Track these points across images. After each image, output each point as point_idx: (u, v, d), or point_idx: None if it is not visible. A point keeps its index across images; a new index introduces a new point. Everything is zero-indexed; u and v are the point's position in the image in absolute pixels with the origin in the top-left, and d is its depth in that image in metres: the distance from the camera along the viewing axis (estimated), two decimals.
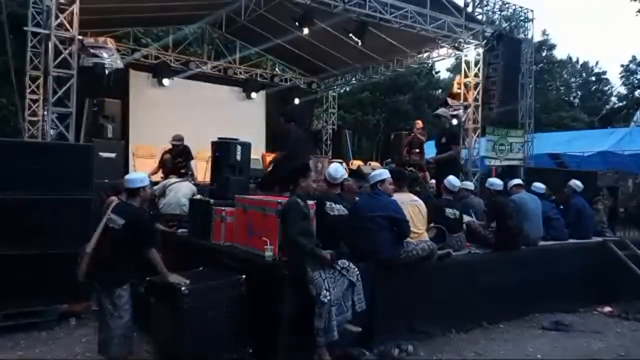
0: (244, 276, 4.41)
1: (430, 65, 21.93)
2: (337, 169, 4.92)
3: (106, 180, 7.07)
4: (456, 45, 11.74)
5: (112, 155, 7.82)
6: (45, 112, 8.86)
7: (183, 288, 4.00)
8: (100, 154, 7.48)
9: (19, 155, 5.31)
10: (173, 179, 7.07)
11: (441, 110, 8.19)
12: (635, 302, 6.49)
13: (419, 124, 10.14)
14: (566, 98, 31.87)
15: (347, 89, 21.07)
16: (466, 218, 6.14)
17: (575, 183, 7.56)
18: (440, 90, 26.33)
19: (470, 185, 7.29)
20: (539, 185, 7.13)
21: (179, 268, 5.03)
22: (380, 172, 5.09)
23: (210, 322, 4.12)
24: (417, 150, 9.23)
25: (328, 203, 4.59)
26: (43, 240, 5.14)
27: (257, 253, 4.67)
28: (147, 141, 10.80)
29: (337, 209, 4.62)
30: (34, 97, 9.88)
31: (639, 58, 29.87)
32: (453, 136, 7.79)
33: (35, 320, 5.05)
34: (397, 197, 5.03)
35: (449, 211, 5.74)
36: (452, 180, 6.09)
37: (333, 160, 10.40)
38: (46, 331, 5.00)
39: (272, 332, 4.15)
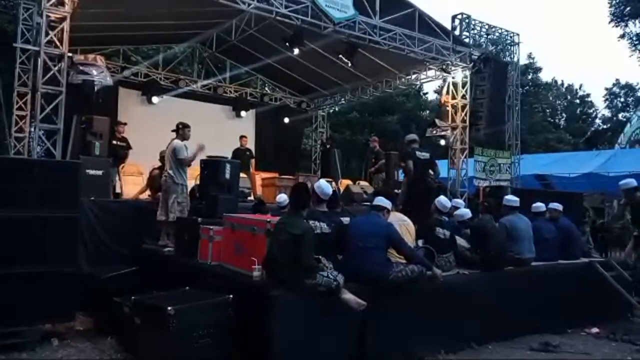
0: (231, 296, 4.36)
1: (418, 86, 22.20)
2: (328, 185, 4.96)
3: (92, 198, 7.00)
4: (444, 67, 11.91)
5: (99, 172, 7.74)
6: (32, 129, 8.78)
7: (169, 308, 3.94)
8: (88, 171, 7.40)
9: (3, 172, 5.22)
10: None
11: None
12: (622, 323, 6.52)
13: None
14: (552, 120, 32.39)
15: (336, 109, 21.24)
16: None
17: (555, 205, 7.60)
18: (428, 112, 26.60)
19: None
20: (537, 205, 7.21)
21: (164, 288, 4.99)
22: (389, 202, 5.17)
23: (197, 343, 4.04)
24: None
25: (312, 222, 4.58)
26: (27, 259, 5.00)
27: (245, 273, 4.63)
28: (136, 159, 10.69)
29: (319, 227, 4.63)
30: (22, 113, 9.81)
31: (622, 81, 30.60)
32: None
33: (16, 340, 4.88)
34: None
35: (439, 231, 5.74)
36: (442, 200, 6.13)
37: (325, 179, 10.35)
38: (27, 352, 4.85)
39: (261, 353, 4.08)
